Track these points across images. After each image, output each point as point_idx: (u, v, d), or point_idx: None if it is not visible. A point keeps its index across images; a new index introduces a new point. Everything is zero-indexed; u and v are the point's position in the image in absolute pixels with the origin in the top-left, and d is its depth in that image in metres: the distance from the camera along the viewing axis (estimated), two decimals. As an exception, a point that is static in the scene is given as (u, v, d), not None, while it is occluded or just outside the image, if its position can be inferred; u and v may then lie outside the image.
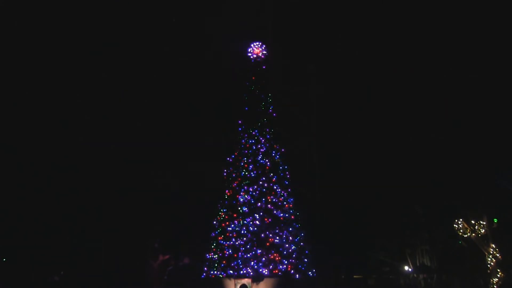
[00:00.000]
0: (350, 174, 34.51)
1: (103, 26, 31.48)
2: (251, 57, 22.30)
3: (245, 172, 19.42)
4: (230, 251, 18.13)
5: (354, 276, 32.16)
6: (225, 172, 20.20)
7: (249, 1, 31.41)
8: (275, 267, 17.70)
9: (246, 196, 18.95)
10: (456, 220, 26.79)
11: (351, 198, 32.09)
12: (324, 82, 34.00)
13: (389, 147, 33.36)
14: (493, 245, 25.26)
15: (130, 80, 31.64)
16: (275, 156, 20.01)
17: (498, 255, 25.02)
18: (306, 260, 18.74)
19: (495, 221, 26.38)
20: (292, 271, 17.98)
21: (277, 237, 18.28)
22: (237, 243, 18.18)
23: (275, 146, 20.30)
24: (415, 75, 33.54)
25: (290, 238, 18.57)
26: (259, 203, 18.72)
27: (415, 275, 34.38)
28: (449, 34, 32.44)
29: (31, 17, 29.77)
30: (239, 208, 18.81)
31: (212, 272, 18.38)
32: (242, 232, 18.30)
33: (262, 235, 18.16)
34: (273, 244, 18.11)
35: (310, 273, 18.68)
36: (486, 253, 25.54)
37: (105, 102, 30.53)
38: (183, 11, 32.50)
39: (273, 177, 19.40)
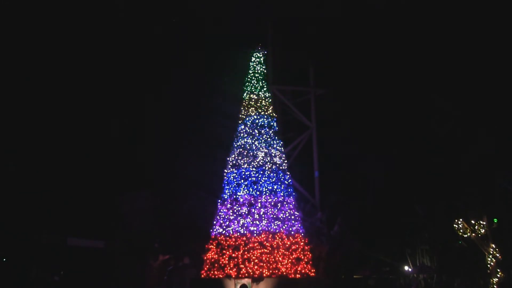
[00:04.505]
0: (350, 173, 34.52)
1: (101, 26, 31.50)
2: (251, 56, 22.28)
3: (245, 172, 19.40)
4: (230, 251, 18.11)
5: (354, 276, 32.17)
6: (225, 171, 20.18)
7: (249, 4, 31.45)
8: (275, 267, 17.68)
9: (246, 196, 18.92)
10: (456, 220, 26.83)
11: (351, 197, 32.08)
12: (323, 82, 33.94)
13: (389, 146, 33.36)
14: (493, 245, 25.27)
15: (130, 79, 31.65)
16: (275, 155, 19.98)
17: (498, 255, 25.04)
18: (306, 260, 18.72)
19: (495, 221, 26.41)
20: (292, 271, 17.96)
21: (277, 237, 18.26)
22: (237, 243, 18.16)
23: (275, 145, 20.27)
24: (415, 74, 33.53)
25: (290, 238, 18.55)
26: (259, 203, 18.70)
27: (415, 275, 34.41)
28: (450, 33, 32.41)
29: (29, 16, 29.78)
30: (239, 208, 18.80)
31: (212, 272, 18.35)
32: (242, 232, 18.28)
33: (262, 235, 18.14)
34: (273, 244, 18.09)
35: (310, 273, 18.66)
36: (486, 253, 25.55)
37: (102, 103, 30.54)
38: (182, 13, 32.45)
39: (273, 177, 19.38)
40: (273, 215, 18.64)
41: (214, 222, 19.61)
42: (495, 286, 24.50)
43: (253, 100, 21.01)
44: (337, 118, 34.90)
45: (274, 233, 18.32)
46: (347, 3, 31.53)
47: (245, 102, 21.21)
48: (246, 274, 17.39)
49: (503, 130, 28.09)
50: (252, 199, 18.83)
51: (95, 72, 31.49)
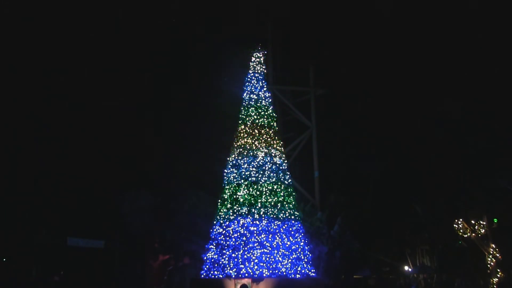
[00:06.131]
0: (350, 173, 34.48)
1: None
2: (251, 56, 22.26)
3: (245, 172, 19.39)
4: (230, 251, 18.11)
5: (354, 276, 32.17)
6: (225, 171, 20.16)
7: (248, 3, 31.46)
8: (275, 267, 17.68)
9: (246, 196, 18.91)
10: (456, 220, 26.84)
11: (351, 197, 32.05)
12: (324, 81, 33.93)
13: (389, 146, 33.34)
14: (493, 245, 25.29)
15: (130, 79, 31.64)
16: (275, 155, 19.96)
17: (498, 255, 25.06)
18: (306, 260, 18.72)
19: (495, 221, 26.45)
20: (292, 271, 17.97)
21: (277, 237, 18.26)
22: (237, 243, 18.16)
23: (275, 145, 20.25)
24: (416, 74, 33.52)
25: (290, 238, 18.55)
26: (259, 203, 18.69)
27: (415, 275, 34.41)
28: (449, 33, 32.41)
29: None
30: (239, 208, 18.78)
31: (212, 272, 18.36)
32: (242, 232, 18.27)
33: (262, 235, 18.14)
34: (273, 244, 18.09)
35: (310, 273, 18.67)
36: (486, 253, 25.58)
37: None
38: (181, 13, 32.46)
39: (273, 177, 19.37)
40: (273, 215, 18.63)
41: (214, 222, 19.60)
42: (495, 286, 24.52)
43: (253, 100, 20.98)
44: (337, 118, 34.92)
45: (274, 233, 18.32)
46: (348, 3, 31.56)
47: (245, 102, 21.18)
48: (246, 274, 17.39)
49: (503, 130, 28.09)
50: (252, 199, 18.82)
51: (95, 71, 31.50)
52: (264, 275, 17.40)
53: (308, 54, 33.62)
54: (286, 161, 20.67)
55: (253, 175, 19.23)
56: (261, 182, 19.10)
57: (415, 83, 33.51)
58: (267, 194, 18.93)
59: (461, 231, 26.47)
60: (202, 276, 18.87)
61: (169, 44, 33.21)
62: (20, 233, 25.55)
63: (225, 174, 20.08)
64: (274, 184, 19.26)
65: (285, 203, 19.18)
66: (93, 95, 31.00)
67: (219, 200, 19.85)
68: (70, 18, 31.27)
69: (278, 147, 20.39)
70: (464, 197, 27.95)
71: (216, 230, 19.18)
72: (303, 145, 32.83)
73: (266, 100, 21.24)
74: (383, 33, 33.26)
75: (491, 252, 25.21)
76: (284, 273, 17.70)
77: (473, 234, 25.89)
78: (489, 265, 25.52)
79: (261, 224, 18.33)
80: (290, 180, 20.22)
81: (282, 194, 19.27)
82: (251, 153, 19.70)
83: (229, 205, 19.13)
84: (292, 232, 18.76)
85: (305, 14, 31.92)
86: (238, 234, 18.27)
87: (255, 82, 21.45)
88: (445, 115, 31.49)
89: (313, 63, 33.84)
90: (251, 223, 18.34)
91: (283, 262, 17.89)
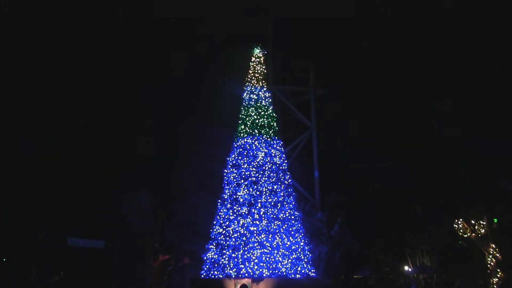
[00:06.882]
0: (350, 173, 34.47)
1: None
2: (251, 56, 22.24)
3: (245, 172, 19.38)
4: (230, 251, 18.11)
5: (354, 276, 32.18)
6: (225, 171, 20.15)
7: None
8: (275, 267, 17.68)
9: (246, 196, 18.91)
10: (456, 220, 26.83)
11: (351, 197, 32.04)
12: (324, 81, 33.93)
13: (389, 146, 33.31)
14: (493, 245, 25.28)
15: (130, 79, 31.64)
16: (275, 155, 19.96)
17: (498, 255, 25.05)
18: (306, 260, 18.72)
19: (495, 221, 26.45)
20: (292, 271, 17.97)
21: (277, 237, 18.26)
22: (237, 243, 18.16)
23: (275, 145, 20.25)
24: (416, 72, 33.55)
25: (290, 238, 18.55)
26: (259, 203, 18.69)
27: (415, 275, 34.41)
28: (449, 33, 32.42)
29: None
30: (239, 208, 18.78)
31: (212, 272, 18.35)
32: (242, 232, 18.27)
33: (262, 235, 18.14)
34: (273, 244, 18.09)
35: (310, 273, 18.66)
36: (486, 253, 25.57)
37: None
38: (181, 13, 32.45)
39: (273, 177, 19.37)
40: (273, 215, 18.62)
41: (214, 222, 19.59)
42: (495, 286, 24.53)
43: (253, 100, 20.98)
44: (337, 118, 34.93)
45: (274, 233, 18.32)
46: (347, 3, 31.57)
47: (245, 102, 21.17)
48: (246, 274, 17.39)
49: (503, 130, 28.10)
50: (252, 199, 18.81)
51: (95, 71, 31.51)
52: (264, 275, 17.40)
53: (308, 54, 33.62)
54: (286, 161, 20.67)
55: (253, 175, 19.23)
56: (261, 182, 19.11)
57: (415, 83, 33.54)
58: (267, 194, 18.93)
59: (461, 231, 26.45)
60: (202, 276, 18.86)
61: (169, 44, 33.20)
62: (20, 233, 25.53)
63: (225, 174, 20.07)
64: (274, 184, 19.26)
65: (285, 203, 19.18)
66: (93, 95, 31.00)
67: (219, 200, 19.84)
68: (70, 18, 31.28)
69: (278, 147, 20.39)
70: (464, 197, 27.94)
71: (216, 230, 19.17)
72: (303, 145, 32.84)
73: (266, 100, 21.23)
74: (383, 32, 33.27)
75: (491, 252, 25.21)
76: (284, 273, 17.70)
77: (473, 234, 25.87)
78: (489, 265, 25.51)
79: (261, 224, 18.33)
80: (290, 180, 20.22)
81: (282, 194, 19.27)
82: (251, 153, 19.70)
83: (229, 205, 19.13)
84: (292, 232, 18.75)
85: (305, 14, 31.90)
86: (238, 234, 18.27)
87: (255, 82, 21.43)
88: (445, 115, 31.48)
89: (313, 63, 33.84)
90: (251, 223, 18.34)
91: (283, 262, 17.89)
